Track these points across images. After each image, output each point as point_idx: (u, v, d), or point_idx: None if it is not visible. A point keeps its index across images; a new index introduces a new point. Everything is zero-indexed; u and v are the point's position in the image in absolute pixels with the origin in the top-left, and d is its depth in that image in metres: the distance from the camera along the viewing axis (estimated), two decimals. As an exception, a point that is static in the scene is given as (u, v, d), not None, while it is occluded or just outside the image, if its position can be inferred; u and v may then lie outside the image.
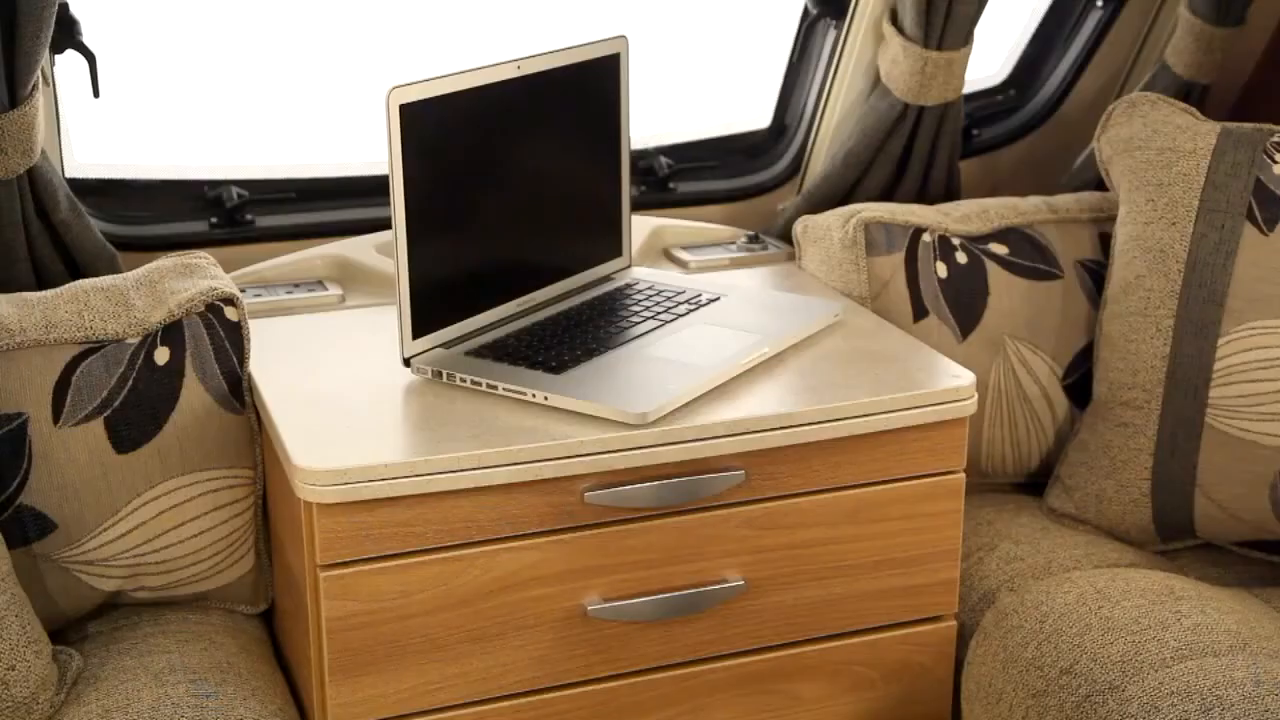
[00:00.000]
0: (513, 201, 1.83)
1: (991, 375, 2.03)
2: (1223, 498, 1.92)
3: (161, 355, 1.69)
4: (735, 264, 2.15)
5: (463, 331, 1.78)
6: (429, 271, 1.72)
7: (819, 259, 2.07)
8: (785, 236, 2.21)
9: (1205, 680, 1.62)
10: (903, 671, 1.83)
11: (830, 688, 1.80)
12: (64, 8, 1.85)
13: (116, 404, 1.67)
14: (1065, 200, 2.17)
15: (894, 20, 2.17)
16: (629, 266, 2.00)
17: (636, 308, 1.88)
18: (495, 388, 1.68)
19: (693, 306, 1.88)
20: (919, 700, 1.85)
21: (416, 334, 1.73)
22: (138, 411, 1.68)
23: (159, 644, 1.70)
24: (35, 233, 1.82)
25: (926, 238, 2.04)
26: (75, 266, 1.87)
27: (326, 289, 1.99)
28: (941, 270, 2.03)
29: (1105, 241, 2.11)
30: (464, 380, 1.69)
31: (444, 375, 1.71)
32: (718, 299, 1.91)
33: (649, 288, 1.94)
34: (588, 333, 1.80)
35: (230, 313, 1.73)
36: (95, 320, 1.68)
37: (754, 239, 2.23)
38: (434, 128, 1.69)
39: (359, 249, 2.05)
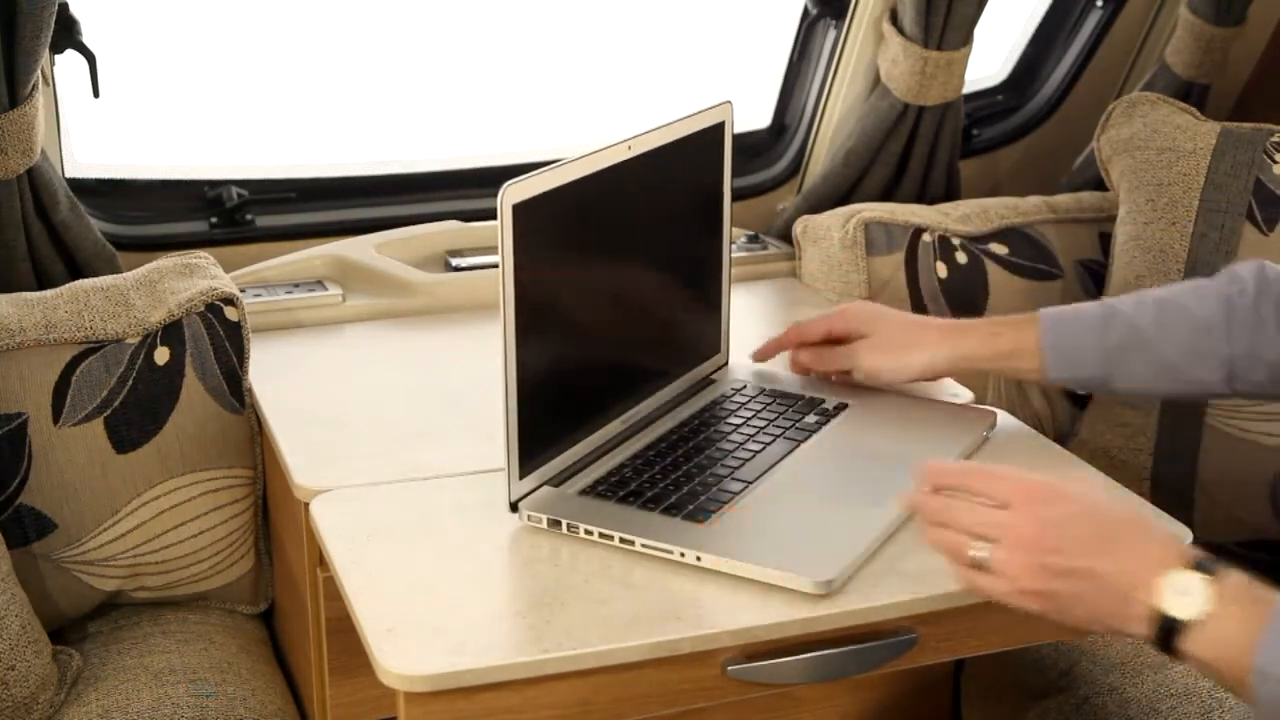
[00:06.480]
0: (616, 300, 1.56)
1: (991, 376, 2.03)
2: (1223, 498, 1.92)
3: (161, 355, 1.69)
4: (735, 263, 2.15)
5: (568, 462, 1.48)
6: (535, 394, 1.41)
7: (819, 259, 2.07)
8: (785, 236, 2.21)
9: (1205, 682, 1.61)
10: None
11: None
12: (64, 8, 1.84)
13: (116, 404, 1.67)
14: (1065, 200, 2.17)
15: (894, 20, 2.17)
16: (726, 364, 1.74)
17: (757, 420, 1.61)
18: (632, 543, 1.37)
19: (821, 417, 1.63)
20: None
21: (523, 472, 1.42)
22: (138, 411, 1.68)
23: (159, 644, 1.70)
24: (35, 233, 1.82)
25: (926, 238, 2.04)
26: (75, 266, 1.87)
27: (326, 289, 1.99)
28: (941, 270, 2.03)
29: (1105, 241, 2.11)
30: (590, 532, 1.39)
31: (564, 526, 1.40)
32: (845, 406, 1.65)
33: (760, 392, 1.68)
34: (714, 459, 1.52)
35: (230, 313, 1.72)
36: (95, 320, 1.68)
37: (754, 239, 2.23)
38: (546, 223, 1.41)
39: (359, 249, 2.04)
